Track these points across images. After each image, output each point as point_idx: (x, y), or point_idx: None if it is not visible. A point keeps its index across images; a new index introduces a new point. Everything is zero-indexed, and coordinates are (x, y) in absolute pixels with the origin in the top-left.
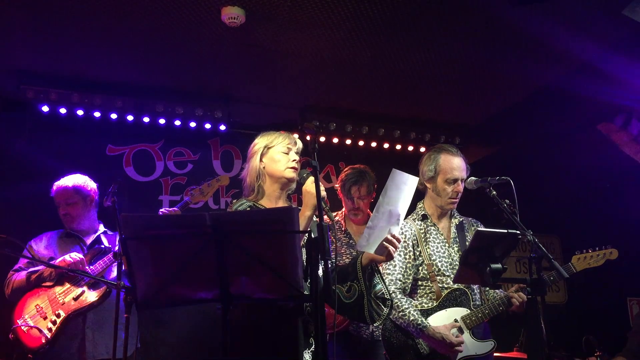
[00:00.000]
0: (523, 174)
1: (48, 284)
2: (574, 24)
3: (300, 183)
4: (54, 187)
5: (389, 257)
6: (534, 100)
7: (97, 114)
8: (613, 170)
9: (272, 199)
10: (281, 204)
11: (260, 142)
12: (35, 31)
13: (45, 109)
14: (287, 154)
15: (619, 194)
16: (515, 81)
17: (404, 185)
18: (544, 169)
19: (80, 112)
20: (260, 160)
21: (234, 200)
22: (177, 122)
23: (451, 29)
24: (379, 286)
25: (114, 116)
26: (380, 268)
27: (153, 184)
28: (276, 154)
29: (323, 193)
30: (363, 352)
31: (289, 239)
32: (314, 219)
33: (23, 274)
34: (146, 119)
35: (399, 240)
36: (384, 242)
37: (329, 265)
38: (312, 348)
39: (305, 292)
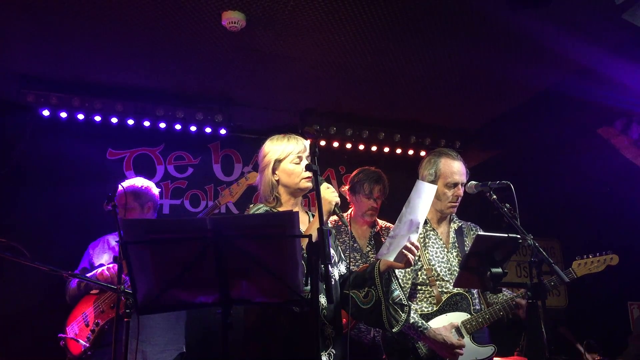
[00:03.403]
0: (523, 178)
1: (95, 291)
2: (574, 27)
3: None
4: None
5: (408, 264)
6: (534, 104)
7: (97, 118)
8: (613, 174)
9: (288, 206)
10: (298, 210)
11: (269, 155)
12: (36, 36)
13: (46, 113)
14: (298, 164)
15: (619, 198)
16: (515, 85)
17: (424, 194)
18: (544, 173)
19: (80, 116)
20: (273, 173)
21: (251, 205)
22: (178, 126)
23: (451, 34)
24: (397, 292)
25: (114, 120)
26: None
27: None
28: (288, 165)
29: (337, 199)
30: (364, 357)
31: (289, 243)
32: (329, 223)
33: (75, 281)
34: (147, 123)
35: (417, 248)
36: (403, 250)
37: (342, 270)
38: (329, 350)
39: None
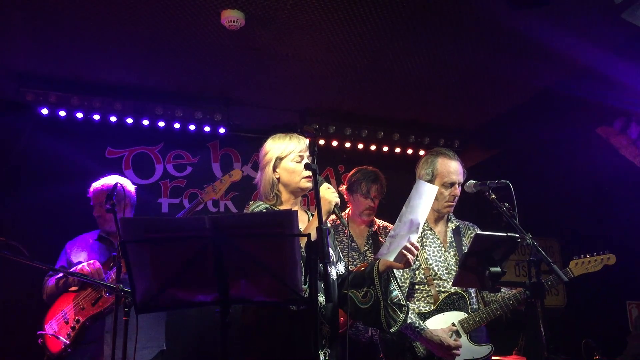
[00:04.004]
0: (522, 177)
1: (74, 288)
2: (573, 27)
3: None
4: (91, 188)
5: (407, 264)
6: (533, 103)
7: (96, 117)
8: (612, 173)
9: (288, 205)
10: (297, 209)
11: (271, 152)
12: (35, 34)
13: (44, 111)
14: (299, 162)
15: (618, 197)
16: (514, 85)
17: (425, 194)
18: (543, 172)
19: (79, 115)
20: (274, 170)
21: (251, 202)
22: (177, 125)
23: (451, 33)
24: (395, 292)
25: (113, 119)
26: None
27: (152, 187)
28: (289, 163)
29: (337, 199)
30: (361, 356)
31: (287, 242)
32: (328, 222)
33: (53, 279)
34: (145, 122)
35: (417, 248)
36: (403, 250)
37: (341, 270)
38: (325, 349)
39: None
